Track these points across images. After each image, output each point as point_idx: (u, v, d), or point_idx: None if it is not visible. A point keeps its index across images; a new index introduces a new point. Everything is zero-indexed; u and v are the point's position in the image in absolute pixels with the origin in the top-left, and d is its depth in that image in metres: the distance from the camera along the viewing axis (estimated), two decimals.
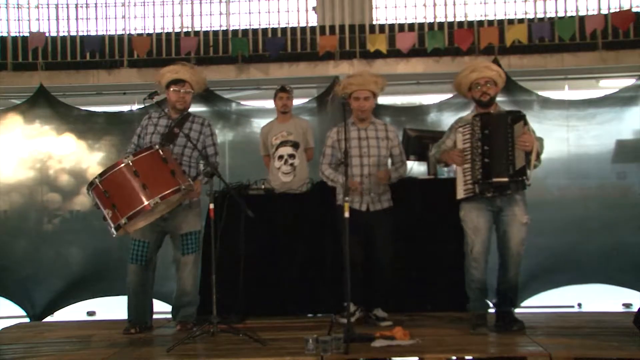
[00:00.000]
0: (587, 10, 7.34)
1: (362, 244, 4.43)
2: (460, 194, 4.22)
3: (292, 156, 5.49)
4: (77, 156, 7.17)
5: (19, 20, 7.76)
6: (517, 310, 4.39)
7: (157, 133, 4.51)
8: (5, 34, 7.70)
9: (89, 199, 4.06)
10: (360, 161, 4.53)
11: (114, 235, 3.96)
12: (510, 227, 4.17)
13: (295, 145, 5.53)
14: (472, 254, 4.21)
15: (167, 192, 3.93)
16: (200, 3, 7.75)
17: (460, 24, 7.37)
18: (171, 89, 4.54)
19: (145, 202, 3.85)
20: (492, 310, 4.41)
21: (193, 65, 4.84)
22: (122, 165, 3.89)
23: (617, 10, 7.19)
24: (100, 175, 3.91)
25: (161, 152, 4.01)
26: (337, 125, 4.68)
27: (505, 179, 4.06)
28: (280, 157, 5.50)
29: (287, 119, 5.65)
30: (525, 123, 4.14)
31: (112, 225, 3.89)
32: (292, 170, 5.47)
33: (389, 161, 4.71)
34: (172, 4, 7.78)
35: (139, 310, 4.53)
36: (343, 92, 4.56)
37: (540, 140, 4.22)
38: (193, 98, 4.71)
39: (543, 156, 4.27)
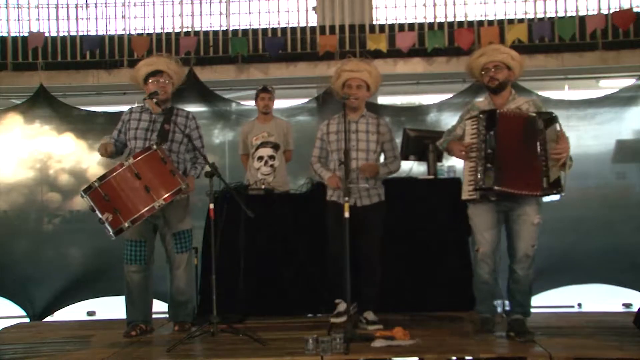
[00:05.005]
0: (588, 10, 7.35)
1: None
2: (465, 194, 4.01)
3: (272, 157, 5.49)
4: (77, 156, 7.18)
5: (19, 20, 7.77)
6: None
7: (141, 129, 4.36)
8: (5, 34, 7.71)
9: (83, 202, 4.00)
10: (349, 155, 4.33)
11: (113, 238, 3.95)
12: (520, 226, 3.94)
13: (276, 147, 5.53)
14: (479, 254, 4.05)
15: (170, 194, 3.93)
16: (200, 3, 7.76)
17: (460, 23, 7.38)
18: (150, 81, 4.38)
19: (149, 206, 3.85)
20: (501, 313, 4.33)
21: (169, 55, 4.69)
22: (123, 168, 3.86)
23: (618, 10, 7.20)
24: (100, 179, 3.85)
25: (159, 152, 3.99)
26: (328, 119, 4.62)
27: (537, 193, 3.82)
28: (260, 157, 5.50)
29: (268, 120, 5.66)
30: (559, 126, 3.85)
31: (112, 229, 3.87)
32: (272, 171, 5.48)
33: (382, 156, 4.57)
34: (172, 4, 7.78)
35: (146, 310, 4.49)
36: (337, 81, 4.41)
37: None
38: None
39: None
